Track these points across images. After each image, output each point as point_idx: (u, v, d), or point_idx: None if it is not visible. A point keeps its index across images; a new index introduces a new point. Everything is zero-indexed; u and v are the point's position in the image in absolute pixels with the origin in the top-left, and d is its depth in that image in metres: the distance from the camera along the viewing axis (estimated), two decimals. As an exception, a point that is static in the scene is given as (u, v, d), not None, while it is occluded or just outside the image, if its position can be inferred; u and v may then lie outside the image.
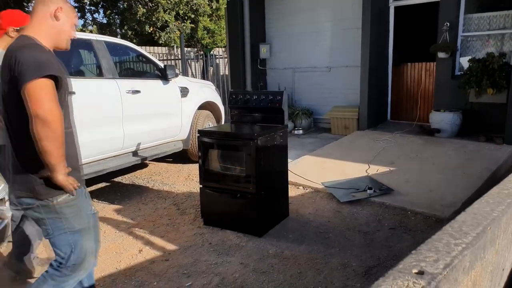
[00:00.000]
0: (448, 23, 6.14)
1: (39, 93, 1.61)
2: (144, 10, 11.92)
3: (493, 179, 4.36)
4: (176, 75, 5.13)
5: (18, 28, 2.62)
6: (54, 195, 1.76)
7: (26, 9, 11.51)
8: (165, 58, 12.17)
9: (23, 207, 1.81)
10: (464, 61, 6.24)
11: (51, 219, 1.79)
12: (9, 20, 2.62)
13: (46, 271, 1.91)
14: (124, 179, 5.24)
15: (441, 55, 6.26)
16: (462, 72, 6.11)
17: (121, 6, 12.25)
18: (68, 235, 1.83)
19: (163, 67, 5.02)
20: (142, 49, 5.41)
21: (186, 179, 5.11)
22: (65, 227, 1.82)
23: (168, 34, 12.78)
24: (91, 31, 13.07)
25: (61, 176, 1.71)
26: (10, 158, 1.80)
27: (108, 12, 12.36)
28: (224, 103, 6.58)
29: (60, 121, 1.66)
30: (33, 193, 1.75)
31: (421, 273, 0.79)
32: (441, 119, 6.09)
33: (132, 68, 6.68)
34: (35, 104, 1.60)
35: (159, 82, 4.97)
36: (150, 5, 11.71)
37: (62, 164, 1.70)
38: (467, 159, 5.06)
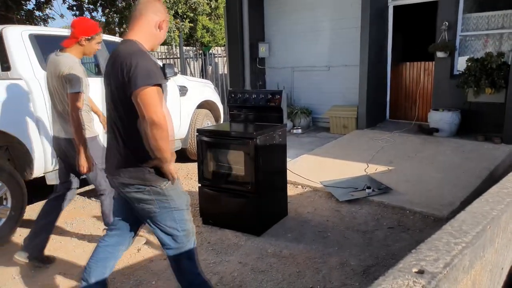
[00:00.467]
0: (447, 23, 6.15)
1: (151, 100, 1.81)
2: (143, 9, 11.78)
3: (491, 179, 4.37)
4: (175, 74, 5.07)
5: (89, 37, 2.81)
6: (162, 182, 2.01)
7: (25, 7, 11.49)
8: (164, 57, 12.16)
9: (131, 191, 2.02)
10: (462, 61, 6.25)
11: (159, 200, 2.04)
12: (81, 29, 2.79)
13: (168, 251, 2.14)
14: (123, 178, 5.23)
15: (439, 54, 6.27)
16: (460, 72, 6.11)
17: (120, 5, 12.23)
18: (173, 212, 2.09)
19: (161, 66, 5.00)
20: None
21: (184, 178, 5.10)
22: (171, 207, 2.08)
23: (167, 33, 12.76)
24: (89, 30, 13.04)
25: (171, 166, 1.97)
26: (118, 151, 2.01)
27: (107, 10, 12.34)
28: (223, 102, 6.57)
29: (167, 122, 1.86)
30: (144, 180, 1.98)
31: (421, 272, 0.79)
32: (440, 118, 6.10)
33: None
34: (149, 111, 1.79)
35: (157, 81, 4.95)
36: (149, 3, 11.67)
37: (171, 157, 1.95)
38: (466, 158, 5.07)
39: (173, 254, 2.14)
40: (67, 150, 2.89)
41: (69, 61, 2.75)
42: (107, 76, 1.99)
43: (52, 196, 3.05)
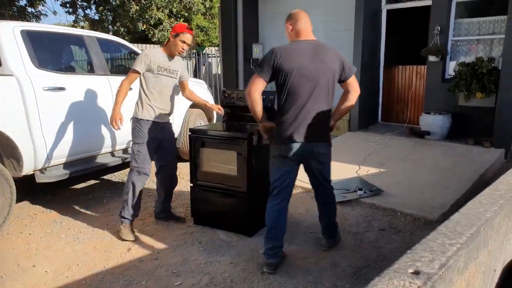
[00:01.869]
0: (439, 27, 6.20)
1: (356, 80, 2.85)
2: (137, 7, 11.80)
3: (481, 182, 4.42)
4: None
5: (174, 34, 3.30)
6: (331, 140, 2.88)
7: (17, 3, 11.34)
8: (157, 56, 12.06)
9: (320, 149, 2.80)
10: (454, 65, 6.31)
11: (328, 155, 2.88)
12: (173, 29, 3.35)
13: (325, 187, 3.02)
14: (114, 176, 5.18)
15: (431, 58, 6.32)
16: (452, 76, 6.17)
17: (114, 3, 12.14)
18: (329, 164, 2.95)
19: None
20: (134, 46, 5.35)
21: (176, 178, 5.06)
22: (330, 160, 2.92)
23: (162, 31, 12.71)
24: (82, 27, 12.93)
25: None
26: (316, 120, 2.71)
27: (101, 8, 12.23)
28: (216, 102, 6.54)
29: None
30: (327, 141, 2.84)
31: (417, 273, 0.79)
32: (431, 121, 6.15)
33: (123, 65, 6.60)
34: (358, 86, 2.86)
35: (150, 80, 4.91)
36: (143, 2, 11.62)
37: None
38: (456, 161, 5.11)
39: (330, 191, 3.04)
40: None
41: (148, 49, 3.45)
42: (308, 64, 2.67)
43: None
